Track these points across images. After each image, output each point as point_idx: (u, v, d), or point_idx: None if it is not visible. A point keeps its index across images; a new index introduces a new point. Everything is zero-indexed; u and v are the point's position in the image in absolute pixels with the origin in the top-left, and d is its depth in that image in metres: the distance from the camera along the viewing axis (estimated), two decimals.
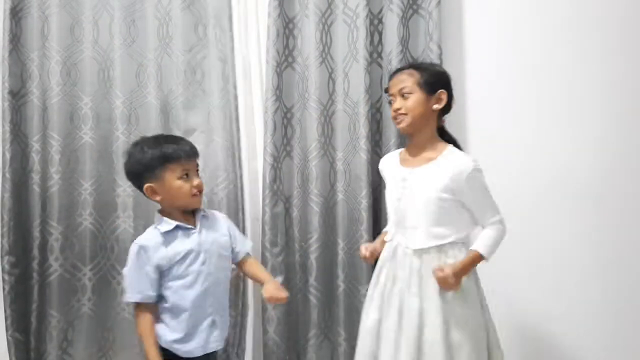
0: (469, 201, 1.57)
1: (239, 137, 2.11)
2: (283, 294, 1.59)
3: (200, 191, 1.61)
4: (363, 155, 1.98)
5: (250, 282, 2.13)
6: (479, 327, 1.56)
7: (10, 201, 2.06)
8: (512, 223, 2.01)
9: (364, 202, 1.98)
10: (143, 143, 1.60)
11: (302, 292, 2.06)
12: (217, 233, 1.66)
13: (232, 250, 1.70)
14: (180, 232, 1.58)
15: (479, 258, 1.56)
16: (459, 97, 2.02)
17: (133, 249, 1.57)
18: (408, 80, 1.61)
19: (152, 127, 2.09)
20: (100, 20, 2.13)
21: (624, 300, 1.96)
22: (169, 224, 1.57)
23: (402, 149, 1.74)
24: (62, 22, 2.11)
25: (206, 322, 1.59)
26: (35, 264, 2.10)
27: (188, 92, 2.10)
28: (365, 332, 1.65)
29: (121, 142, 2.10)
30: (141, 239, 1.58)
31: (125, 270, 1.59)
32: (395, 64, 1.95)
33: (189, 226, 1.60)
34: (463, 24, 2.04)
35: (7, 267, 2.05)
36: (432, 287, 1.53)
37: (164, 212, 1.61)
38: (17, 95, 2.10)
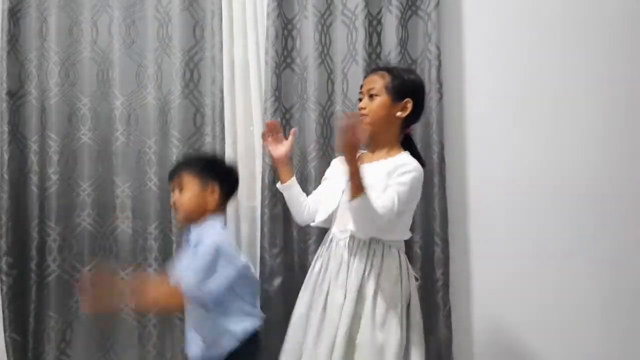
0: (386, 181, 1.54)
1: (223, 138, 2.10)
2: None
3: (176, 209, 1.75)
4: None
5: None
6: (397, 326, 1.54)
7: (8, 202, 2.05)
8: (512, 223, 2.02)
9: None
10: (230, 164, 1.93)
11: None
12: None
13: None
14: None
15: (360, 189, 1.44)
16: (457, 97, 2.04)
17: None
18: (378, 82, 1.63)
19: (152, 128, 2.09)
20: (99, 21, 2.13)
21: (624, 302, 1.97)
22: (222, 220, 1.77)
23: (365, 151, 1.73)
24: (61, 22, 2.11)
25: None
26: (33, 265, 2.09)
27: (186, 93, 2.09)
28: (294, 320, 1.69)
29: (120, 143, 2.10)
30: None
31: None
32: (394, 65, 1.95)
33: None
34: (462, 25, 2.05)
35: (5, 267, 2.05)
36: (355, 282, 1.55)
37: None
38: (15, 96, 2.09)
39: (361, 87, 1.70)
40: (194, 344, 1.68)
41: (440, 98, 1.95)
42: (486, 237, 2.03)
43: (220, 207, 1.76)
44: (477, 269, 2.05)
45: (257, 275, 2.04)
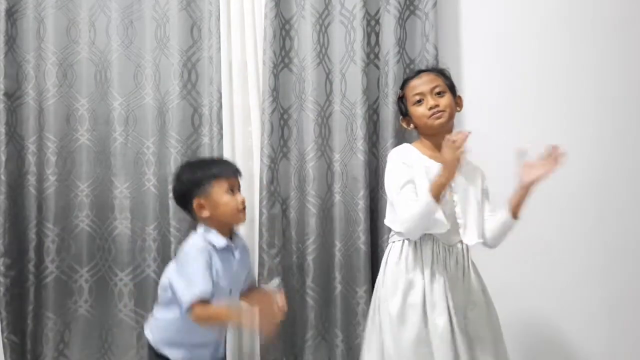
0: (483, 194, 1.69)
1: (221, 138, 2.09)
2: None
3: (244, 207, 1.60)
4: (360, 157, 1.98)
5: None
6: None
7: (5, 203, 2.05)
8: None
9: (361, 204, 1.98)
10: (190, 164, 1.75)
11: (299, 294, 2.06)
12: (247, 255, 1.67)
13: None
14: (226, 251, 1.56)
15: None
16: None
17: (198, 248, 1.51)
18: (438, 80, 1.65)
19: (150, 129, 2.09)
20: (97, 22, 2.12)
21: (623, 299, 1.97)
22: (219, 239, 1.54)
23: (409, 145, 1.71)
24: (58, 23, 2.11)
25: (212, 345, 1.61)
26: (31, 266, 2.10)
27: (184, 93, 2.09)
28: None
29: (119, 144, 2.10)
30: (202, 243, 1.53)
31: (187, 270, 1.49)
32: (392, 65, 1.96)
33: (232, 246, 1.59)
34: (459, 25, 2.05)
35: (2, 269, 2.04)
36: (476, 281, 1.63)
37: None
38: (13, 97, 2.09)
39: (402, 94, 1.72)
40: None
41: None
42: None
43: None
44: (478, 266, 2.04)
45: (256, 275, 2.04)
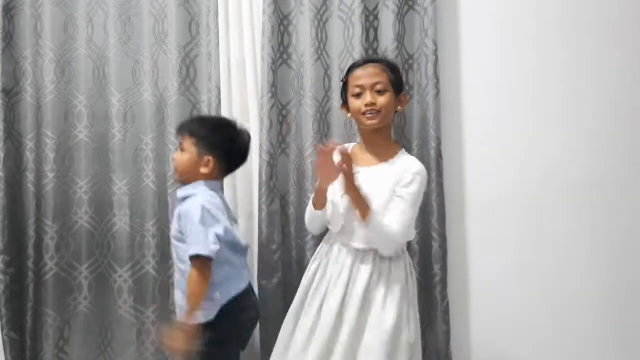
0: (392, 191, 1.55)
1: None
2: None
3: (173, 166, 1.76)
4: None
5: None
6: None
7: (4, 200, 2.05)
8: (509, 218, 2.03)
9: None
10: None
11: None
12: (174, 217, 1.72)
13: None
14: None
15: (367, 208, 1.51)
16: (454, 92, 2.03)
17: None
18: (382, 76, 1.59)
19: (148, 125, 2.09)
20: (94, 18, 2.12)
21: (621, 298, 1.97)
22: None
23: (354, 144, 1.72)
24: (55, 19, 2.10)
25: None
26: (30, 263, 2.10)
27: (182, 89, 2.09)
28: (286, 319, 1.70)
29: (117, 140, 2.10)
30: None
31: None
32: (391, 60, 1.94)
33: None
34: (458, 20, 2.04)
35: (1, 266, 2.05)
36: (359, 288, 1.54)
37: None
38: (11, 93, 2.09)
39: (345, 79, 1.67)
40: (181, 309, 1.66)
41: (437, 93, 1.94)
42: (484, 232, 2.03)
43: (215, 177, 1.72)
44: (475, 264, 2.05)
45: (255, 271, 2.05)
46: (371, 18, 2.01)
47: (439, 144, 1.95)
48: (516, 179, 2.01)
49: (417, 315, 1.63)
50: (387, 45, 1.98)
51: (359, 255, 1.59)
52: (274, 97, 2.02)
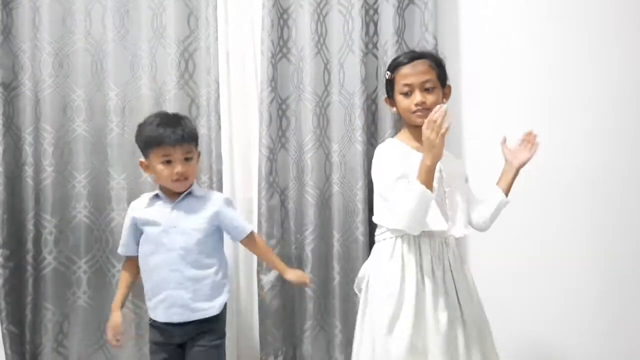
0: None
1: (219, 129, 2.08)
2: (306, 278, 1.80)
3: (186, 177, 1.66)
4: (359, 147, 1.97)
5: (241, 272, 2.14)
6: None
7: (3, 194, 2.04)
8: (508, 215, 2.02)
9: (359, 194, 1.98)
10: (146, 121, 1.71)
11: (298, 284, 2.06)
12: (196, 215, 1.69)
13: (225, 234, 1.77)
14: (160, 202, 1.71)
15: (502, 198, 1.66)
16: (455, 87, 2.01)
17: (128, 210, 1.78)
18: (431, 74, 1.57)
19: None
20: (92, 11, 2.10)
21: (619, 293, 1.98)
22: (155, 191, 1.73)
23: (394, 139, 1.68)
24: (54, 13, 2.09)
25: (161, 295, 1.67)
26: (29, 257, 2.10)
27: (181, 83, 2.08)
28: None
29: (115, 134, 2.09)
30: (133, 202, 1.79)
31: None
32: (391, 54, 1.94)
33: (168, 200, 1.70)
34: (459, 15, 2.04)
35: (1, 260, 2.04)
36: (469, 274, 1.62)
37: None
38: (9, 87, 2.08)
39: (388, 77, 1.62)
40: (183, 302, 1.68)
41: None
42: None
43: None
44: (473, 261, 2.05)
45: (255, 265, 2.05)
46: (371, 12, 2.01)
47: None
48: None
49: None
50: (387, 39, 1.97)
51: (453, 245, 1.62)
52: (273, 92, 2.01)
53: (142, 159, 1.70)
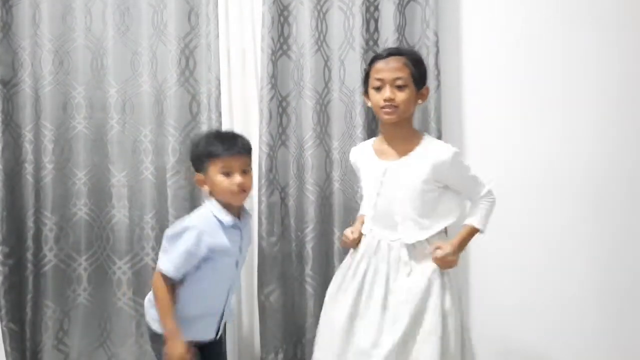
0: (456, 184, 1.57)
1: (220, 126, 2.07)
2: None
3: (244, 189, 1.58)
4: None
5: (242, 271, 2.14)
6: (457, 315, 1.56)
7: (3, 191, 2.05)
8: (509, 211, 2.02)
9: (360, 192, 1.97)
10: (206, 135, 1.67)
11: (298, 282, 2.06)
12: (249, 234, 1.69)
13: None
14: (232, 227, 1.59)
15: (474, 231, 1.58)
16: (455, 84, 2.02)
17: (192, 232, 1.53)
18: (403, 71, 1.54)
19: (147, 117, 2.08)
20: (93, 8, 2.10)
21: (622, 289, 1.97)
22: (227, 216, 1.57)
23: (373, 140, 1.69)
24: (54, 10, 2.09)
25: (212, 315, 1.61)
26: (29, 255, 2.10)
27: (182, 80, 2.07)
28: (331, 328, 1.60)
29: (116, 132, 2.09)
30: (200, 224, 1.55)
31: (174, 245, 1.53)
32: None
33: (238, 223, 1.61)
34: (460, 12, 2.03)
35: (0, 257, 2.05)
36: (422, 277, 1.53)
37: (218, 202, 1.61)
38: (9, 85, 2.08)
39: (366, 73, 1.62)
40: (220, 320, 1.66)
41: (438, 85, 1.93)
42: None
43: None
44: (475, 256, 2.05)
45: (255, 264, 2.05)
46: (372, 9, 2.00)
47: (439, 136, 1.94)
48: (517, 171, 2.00)
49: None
50: (388, 36, 1.97)
51: (413, 247, 1.57)
52: (273, 89, 2.00)
53: (198, 175, 1.61)
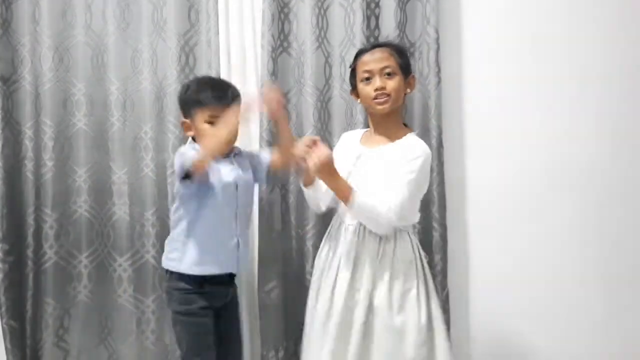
0: (393, 171, 1.52)
1: None
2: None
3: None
4: None
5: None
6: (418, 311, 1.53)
7: (3, 189, 2.04)
8: (510, 208, 2.02)
9: None
10: (195, 81, 1.71)
11: (298, 279, 2.06)
12: (247, 171, 1.71)
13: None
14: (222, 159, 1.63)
15: (348, 192, 1.51)
16: (456, 80, 2.02)
17: (189, 148, 1.61)
18: (390, 60, 1.57)
19: (148, 114, 2.07)
20: (93, 5, 2.10)
21: (624, 286, 1.97)
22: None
23: (367, 129, 1.72)
24: (54, 6, 2.08)
25: (232, 242, 1.65)
26: (29, 252, 2.09)
27: (182, 77, 2.07)
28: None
29: (116, 129, 2.09)
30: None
31: (184, 155, 1.57)
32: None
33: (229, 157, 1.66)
34: (460, 8, 2.03)
35: (1, 254, 2.04)
36: (367, 267, 1.53)
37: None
38: (9, 81, 2.07)
39: (353, 66, 1.64)
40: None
41: (439, 82, 1.93)
42: (484, 221, 2.03)
43: None
44: (475, 254, 2.05)
45: (256, 262, 2.05)
46: (372, 5, 2.00)
47: (440, 133, 1.94)
48: (518, 169, 2.00)
49: (432, 300, 1.59)
50: (389, 33, 1.97)
51: (364, 234, 1.56)
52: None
53: (185, 120, 1.64)
